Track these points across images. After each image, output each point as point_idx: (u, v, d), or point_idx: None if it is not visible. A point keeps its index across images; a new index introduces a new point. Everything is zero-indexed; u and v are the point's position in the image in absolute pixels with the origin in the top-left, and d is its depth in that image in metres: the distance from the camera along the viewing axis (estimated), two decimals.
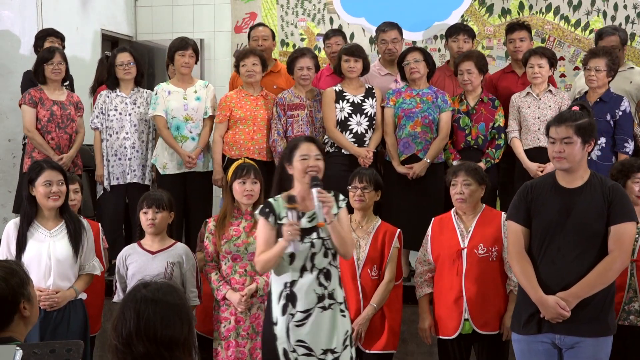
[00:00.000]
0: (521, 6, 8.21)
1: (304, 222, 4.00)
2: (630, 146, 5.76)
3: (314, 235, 4.02)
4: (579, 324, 3.89)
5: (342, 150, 5.93)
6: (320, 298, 4.02)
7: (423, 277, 4.76)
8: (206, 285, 4.85)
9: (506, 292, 4.56)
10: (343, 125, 5.94)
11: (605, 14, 8.03)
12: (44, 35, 6.87)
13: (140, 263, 4.64)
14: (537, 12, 8.18)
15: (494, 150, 5.94)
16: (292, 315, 4.01)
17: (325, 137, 6.03)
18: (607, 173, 5.65)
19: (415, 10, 8.24)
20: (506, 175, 6.06)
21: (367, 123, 5.96)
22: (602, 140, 5.74)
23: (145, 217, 4.65)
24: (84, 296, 4.64)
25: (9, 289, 2.63)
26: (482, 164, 5.80)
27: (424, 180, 5.84)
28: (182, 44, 6.22)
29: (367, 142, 5.95)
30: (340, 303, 4.09)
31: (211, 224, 4.83)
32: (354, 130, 5.93)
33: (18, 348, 2.49)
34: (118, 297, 4.72)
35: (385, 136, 5.95)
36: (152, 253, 4.67)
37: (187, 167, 6.14)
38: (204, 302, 4.81)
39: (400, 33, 6.54)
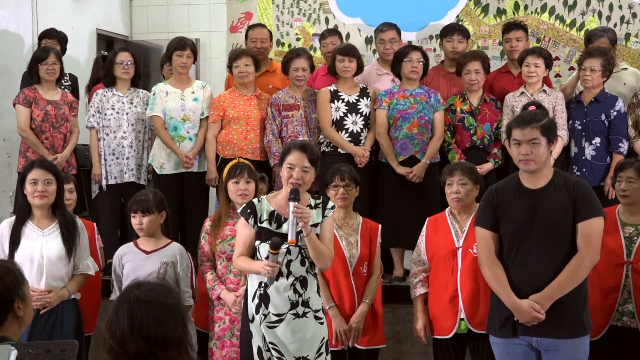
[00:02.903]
0: (516, 6, 8.22)
1: (284, 228, 3.98)
2: (624, 146, 5.76)
3: None
4: (554, 326, 3.86)
5: (339, 150, 5.93)
6: (294, 305, 4.00)
7: (417, 277, 4.75)
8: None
9: None
10: (338, 124, 5.94)
11: (600, 14, 8.04)
12: (41, 36, 6.88)
13: (134, 263, 4.65)
14: (532, 12, 8.19)
15: (500, 150, 5.95)
16: (265, 315, 4.00)
17: (321, 136, 6.03)
18: (602, 173, 5.71)
19: (410, 10, 8.27)
20: (502, 175, 6.06)
21: (363, 122, 5.97)
22: (597, 140, 5.76)
23: (134, 222, 4.67)
24: (77, 296, 4.63)
25: (3, 286, 2.63)
26: (490, 165, 5.84)
27: (421, 181, 5.84)
28: (181, 44, 6.21)
29: (362, 142, 5.96)
30: (317, 310, 4.07)
31: (207, 223, 4.85)
32: (349, 130, 5.94)
33: (12, 347, 2.49)
34: (115, 296, 4.71)
35: (378, 138, 5.94)
36: (147, 253, 4.68)
37: (185, 167, 6.14)
38: (203, 297, 4.82)
39: (399, 33, 6.54)
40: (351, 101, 5.98)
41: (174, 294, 2.55)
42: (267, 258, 3.92)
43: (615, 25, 7.80)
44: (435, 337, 4.65)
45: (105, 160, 6.20)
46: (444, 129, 5.95)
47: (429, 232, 4.72)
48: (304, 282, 4.03)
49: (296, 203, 3.87)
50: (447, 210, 4.71)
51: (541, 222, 3.87)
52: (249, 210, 4.03)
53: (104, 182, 6.20)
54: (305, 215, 3.89)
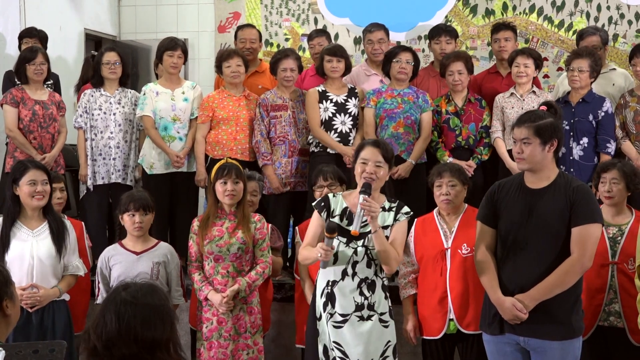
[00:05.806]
0: (505, 7, 8.25)
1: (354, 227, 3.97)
2: (612, 147, 5.79)
3: (360, 242, 4.00)
4: (540, 326, 3.85)
5: (328, 150, 5.94)
6: (359, 307, 4.02)
7: (407, 278, 4.75)
8: None
9: None
10: (327, 125, 5.95)
11: (588, 15, 8.08)
12: (21, 36, 6.86)
13: (125, 264, 4.63)
14: (520, 13, 8.22)
15: (482, 147, 5.98)
16: (331, 314, 4.03)
17: (310, 137, 6.03)
18: (590, 173, 5.72)
19: (399, 10, 8.29)
20: (490, 175, 6.09)
21: (351, 122, 5.98)
22: (585, 140, 5.78)
23: (132, 220, 4.63)
24: (67, 297, 4.61)
25: None
26: (471, 162, 5.86)
27: (407, 181, 5.85)
28: (172, 44, 6.21)
29: (352, 142, 5.96)
30: (382, 314, 4.09)
31: (195, 224, 4.82)
32: (338, 130, 5.95)
33: (1, 349, 2.48)
34: (101, 298, 4.69)
35: (366, 137, 5.92)
36: (137, 254, 4.66)
37: (175, 167, 6.13)
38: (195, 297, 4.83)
39: (387, 34, 6.56)
40: (340, 101, 5.99)
41: (162, 294, 2.54)
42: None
43: (603, 25, 7.83)
44: (425, 337, 4.66)
45: (93, 160, 6.19)
46: (431, 130, 5.97)
47: (417, 233, 4.72)
48: (371, 285, 4.06)
49: (365, 196, 3.90)
50: (435, 210, 4.71)
51: (535, 223, 3.87)
52: (322, 204, 4.10)
53: (89, 182, 6.18)
54: (373, 208, 3.89)
